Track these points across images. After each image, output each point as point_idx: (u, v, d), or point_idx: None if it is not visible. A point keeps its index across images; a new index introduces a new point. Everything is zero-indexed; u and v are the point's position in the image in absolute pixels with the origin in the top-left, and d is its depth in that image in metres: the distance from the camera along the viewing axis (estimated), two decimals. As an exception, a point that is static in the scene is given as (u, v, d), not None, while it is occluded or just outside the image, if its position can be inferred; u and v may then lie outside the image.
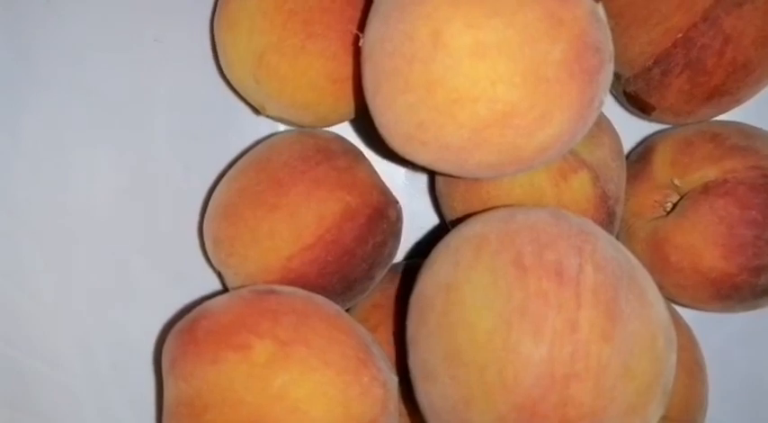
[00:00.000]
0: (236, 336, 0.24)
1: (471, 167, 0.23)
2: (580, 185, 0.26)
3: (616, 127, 0.30)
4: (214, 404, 0.23)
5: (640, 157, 0.31)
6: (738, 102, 0.29)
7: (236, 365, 0.23)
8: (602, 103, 0.23)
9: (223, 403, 0.23)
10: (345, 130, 0.33)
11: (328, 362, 0.23)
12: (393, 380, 0.25)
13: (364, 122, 0.33)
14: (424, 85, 0.21)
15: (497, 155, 0.22)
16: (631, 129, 0.33)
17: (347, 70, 0.27)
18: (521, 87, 0.21)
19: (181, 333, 0.25)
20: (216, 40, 0.30)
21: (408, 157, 0.24)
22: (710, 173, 0.28)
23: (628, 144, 0.33)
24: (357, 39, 0.25)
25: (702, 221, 0.28)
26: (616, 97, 0.33)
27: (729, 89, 0.28)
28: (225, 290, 0.31)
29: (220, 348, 0.24)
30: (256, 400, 0.23)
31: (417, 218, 0.34)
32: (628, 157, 0.33)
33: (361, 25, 0.25)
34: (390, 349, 0.28)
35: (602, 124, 0.28)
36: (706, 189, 0.28)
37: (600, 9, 0.22)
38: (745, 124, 0.30)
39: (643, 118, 0.32)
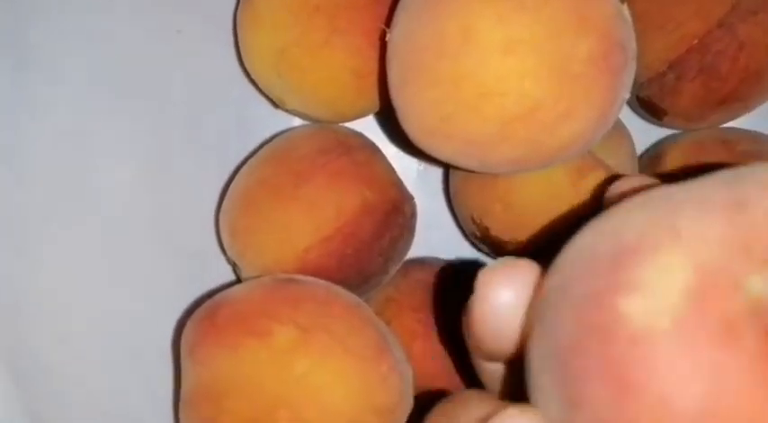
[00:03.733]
0: (257, 322, 0.24)
1: (494, 162, 0.24)
2: (597, 184, 0.27)
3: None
4: (234, 390, 0.23)
5: (651, 161, 0.32)
6: (748, 108, 0.30)
7: (256, 352, 0.23)
8: (624, 101, 0.24)
9: (243, 389, 0.23)
10: (361, 125, 0.33)
11: (349, 349, 0.23)
12: (408, 369, 0.25)
13: (383, 117, 0.34)
14: (453, 79, 0.22)
15: (521, 150, 0.23)
16: (642, 134, 0.34)
17: (370, 65, 0.28)
18: (548, 82, 0.21)
19: (201, 320, 0.25)
20: (238, 33, 0.30)
21: (431, 151, 0.25)
22: (721, 178, 0.29)
23: (638, 149, 0.34)
24: (383, 34, 0.25)
25: None
26: (628, 102, 0.33)
27: (741, 95, 0.29)
28: (239, 282, 0.31)
29: (241, 335, 0.24)
30: (276, 386, 0.23)
31: (428, 215, 0.34)
32: (639, 161, 0.33)
33: (388, 21, 0.25)
34: (404, 340, 0.29)
35: (618, 125, 0.28)
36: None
37: (625, 9, 0.22)
38: (755, 131, 0.31)
39: (654, 123, 0.33)
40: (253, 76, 0.30)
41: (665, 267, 0.12)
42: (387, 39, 0.24)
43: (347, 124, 0.33)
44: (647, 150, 0.34)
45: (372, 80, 0.28)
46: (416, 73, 0.23)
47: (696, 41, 0.28)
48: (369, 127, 0.35)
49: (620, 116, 0.32)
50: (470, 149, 0.23)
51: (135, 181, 0.30)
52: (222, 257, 0.31)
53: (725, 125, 0.32)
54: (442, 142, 0.24)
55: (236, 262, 0.29)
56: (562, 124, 0.22)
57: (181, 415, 0.25)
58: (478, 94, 0.22)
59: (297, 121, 0.34)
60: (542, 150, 0.23)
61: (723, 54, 0.28)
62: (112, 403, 0.26)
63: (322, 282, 0.26)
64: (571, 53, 0.21)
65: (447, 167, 0.34)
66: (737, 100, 0.29)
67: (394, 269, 0.31)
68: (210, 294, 0.26)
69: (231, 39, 0.32)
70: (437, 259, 0.34)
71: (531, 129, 0.22)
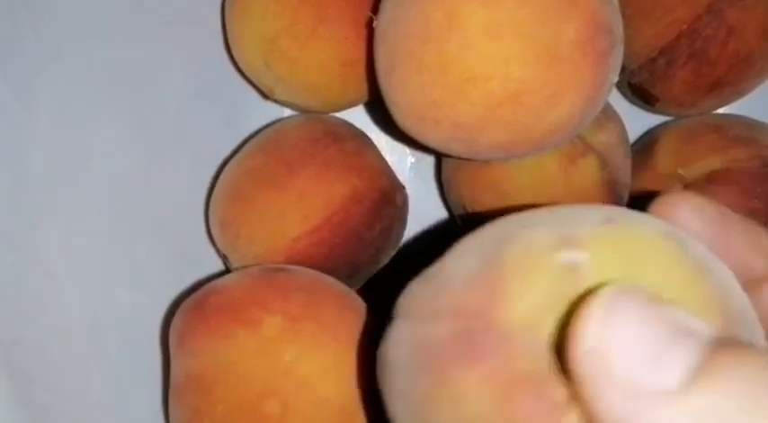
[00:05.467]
0: (246, 312, 0.24)
1: (482, 147, 0.24)
2: (588, 170, 0.27)
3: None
4: (222, 379, 0.23)
5: (644, 147, 0.32)
6: (740, 93, 0.30)
7: (245, 341, 0.23)
8: (612, 85, 0.23)
9: (231, 378, 0.23)
10: (352, 118, 0.33)
11: (338, 338, 0.23)
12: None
13: (374, 108, 0.33)
14: (439, 64, 0.22)
15: (509, 134, 0.23)
16: (635, 121, 0.34)
17: (358, 54, 0.28)
18: (534, 66, 0.21)
19: (189, 310, 0.25)
20: (227, 23, 0.30)
21: (420, 138, 0.25)
22: (714, 162, 0.29)
23: (632, 136, 0.34)
24: (371, 21, 0.25)
25: None
26: (620, 89, 0.33)
27: (732, 80, 0.29)
28: (229, 273, 0.31)
29: (230, 324, 0.24)
30: (265, 375, 0.23)
31: (421, 206, 0.34)
32: (632, 148, 0.33)
33: (375, 9, 0.25)
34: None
35: (608, 111, 0.28)
36: (710, 178, 0.29)
37: None
38: (747, 117, 0.31)
39: (647, 110, 0.33)
40: (242, 67, 0.30)
41: None
42: (374, 26, 0.24)
43: (338, 115, 0.32)
44: (641, 137, 0.34)
45: (360, 69, 0.28)
46: (403, 59, 0.23)
47: (685, 27, 0.28)
48: (360, 118, 0.35)
49: (613, 103, 0.32)
50: (458, 134, 0.23)
51: (127, 173, 0.30)
52: (212, 249, 0.31)
53: (717, 111, 0.32)
54: (430, 128, 0.24)
55: (226, 253, 0.29)
56: (549, 108, 0.22)
57: (170, 405, 0.25)
58: (464, 78, 0.21)
59: (287, 112, 0.33)
60: (530, 134, 0.23)
61: (712, 39, 0.27)
62: (107, 394, 0.26)
63: (311, 271, 0.26)
64: (557, 37, 0.21)
65: (439, 158, 0.34)
66: (728, 85, 0.29)
67: (386, 259, 0.31)
68: (200, 285, 0.26)
69: (220, 30, 0.31)
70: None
71: (518, 112, 0.22)
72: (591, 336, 0.11)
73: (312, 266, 0.28)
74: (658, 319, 0.11)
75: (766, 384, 0.10)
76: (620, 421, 0.11)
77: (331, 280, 0.26)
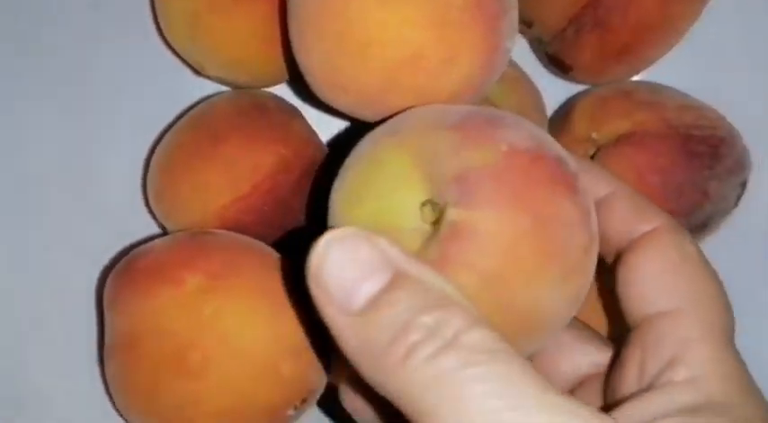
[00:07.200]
0: (170, 271, 0.25)
1: (389, 112, 0.25)
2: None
3: (544, 91, 0.33)
4: (147, 334, 0.24)
5: (562, 114, 0.34)
6: (646, 61, 0.32)
7: (168, 298, 0.24)
8: (509, 51, 0.25)
9: (156, 334, 0.24)
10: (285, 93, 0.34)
11: (258, 292, 0.25)
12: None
13: (300, 82, 0.35)
14: (338, 31, 0.23)
15: (411, 98, 0.24)
16: (558, 92, 0.35)
17: (277, 29, 0.29)
18: (426, 30, 0.22)
19: (119, 272, 0.26)
20: (154, 1, 0.31)
21: (333, 104, 0.26)
22: (622, 126, 0.31)
23: (555, 106, 0.35)
24: (284, -4, 0.26)
25: (615, 170, 0.30)
26: (541, 61, 0.35)
27: (636, 48, 0.30)
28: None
29: (154, 283, 0.25)
30: (186, 329, 0.24)
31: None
32: (554, 115, 0.35)
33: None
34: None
35: (517, 74, 0.30)
36: (618, 140, 0.30)
37: None
38: (655, 83, 0.33)
39: (566, 79, 0.34)
40: (171, 43, 0.31)
41: None
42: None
43: (271, 90, 0.34)
44: (561, 107, 0.35)
45: (279, 45, 0.29)
46: (308, 28, 0.24)
47: (589, -4, 0.29)
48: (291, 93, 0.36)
49: (536, 76, 0.33)
50: (364, 99, 0.24)
51: (64, 149, 0.31)
52: (153, 222, 0.32)
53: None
54: (339, 94, 0.25)
55: (164, 223, 0.31)
56: (446, 71, 0.23)
57: (105, 366, 0.26)
58: (362, 44, 0.23)
59: (222, 89, 0.35)
60: (431, 98, 0.24)
61: (614, 8, 0.29)
62: (43, 359, 0.28)
63: (234, 234, 0.27)
64: (447, 1, 0.22)
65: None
66: (632, 52, 0.30)
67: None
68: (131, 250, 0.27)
69: (149, 7, 0.33)
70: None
71: (417, 76, 0.23)
72: (313, 266, 0.16)
73: (243, 233, 0.29)
74: (363, 251, 0.16)
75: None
76: (339, 336, 0.16)
77: (252, 241, 0.27)
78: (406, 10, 0.22)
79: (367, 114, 0.26)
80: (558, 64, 0.33)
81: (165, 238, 0.27)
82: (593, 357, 0.24)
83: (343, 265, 0.16)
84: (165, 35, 0.31)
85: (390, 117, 0.24)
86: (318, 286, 0.16)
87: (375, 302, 0.15)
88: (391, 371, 0.15)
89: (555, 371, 0.24)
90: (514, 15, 0.24)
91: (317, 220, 0.29)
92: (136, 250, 0.27)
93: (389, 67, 0.23)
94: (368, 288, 0.16)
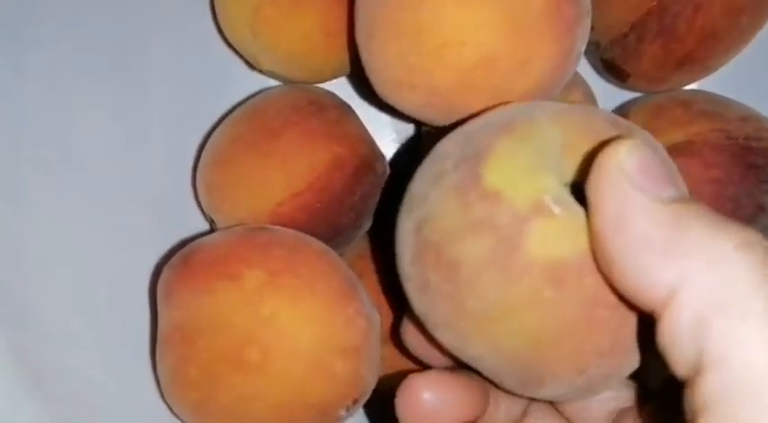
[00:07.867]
0: (228, 266, 0.25)
1: (458, 114, 0.25)
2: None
3: (597, 96, 0.32)
4: (206, 329, 0.24)
5: (615, 121, 0.33)
6: (708, 70, 0.31)
7: (227, 293, 0.24)
8: (580, 54, 0.25)
9: (214, 328, 0.24)
10: (337, 89, 0.34)
11: (316, 292, 0.25)
12: (375, 315, 0.26)
13: (359, 80, 0.35)
14: (414, 31, 0.23)
15: (482, 100, 0.24)
16: (609, 97, 0.35)
17: (340, 24, 0.29)
18: (503, 33, 0.22)
19: (176, 266, 0.26)
20: (213, -4, 0.31)
21: (397, 104, 0.26)
22: (678, 135, 0.30)
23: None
24: (351, -9, 0.26)
25: None
26: (594, 66, 0.35)
27: (699, 56, 0.30)
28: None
29: (213, 278, 0.25)
30: (246, 325, 0.24)
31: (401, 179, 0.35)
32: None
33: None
34: (373, 296, 0.30)
35: (579, 83, 0.30)
36: (673, 150, 0.30)
37: None
38: (714, 93, 0.32)
39: (620, 86, 0.34)
40: (228, 37, 0.31)
41: None
42: (355, -5, 0.25)
43: (323, 86, 0.33)
44: (614, 112, 0.35)
45: (343, 39, 0.29)
46: (381, 26, 0.24)
47: (655, 3, 0.29)
48: (345, 90, 0.36)
49: (588, 79, 0.33)
50: (433, 100, 0.24)
51: (116, 140, 0.31)
52: (200, 214, 0.32)
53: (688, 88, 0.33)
54: (407, 94, 0.25)
55: (212, 217, 0.30)
56: (520, 74, 0.23)
57: (157, 356, 0.26)
58: (439, 44, 0.23)
59: (274, 83, 0.34)
60: (502, 99, 0.24)
61: (680, 15, 0.29)
62: (97, 351, 0.27)
63: (291, 231, 0.27)
64: (526, 5, 0.22)
65: (419, 133, 0.35)
66: (696, 61, 0.30)
67: (367, 225, 0.32)
68: (187, 243, 0.27)
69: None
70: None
71: (491, 78, 0.23)
72: (619, 158, 0.17)
73: (295, 229, 0.29)
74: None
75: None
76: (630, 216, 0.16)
77: (311, 238, 0.27)
78: (483, 12, 0.22)
79: (434, 115, 0.25)
80: (614, 70, 0.32)
81: (223, 232, 0.27)
82: (620, 393, 0.24)
83: (655, 160, 0.17)
84: (223, 28, 0.31)
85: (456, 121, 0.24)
86: (627, 168, 0.17)
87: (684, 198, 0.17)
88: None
89: (589, 417, 0.24)
90: (589, 20, 0.24)
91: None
92: (193, 244, 0.27)
93: (464, 67, 0.23)
94: (673, 191, 0.17)
